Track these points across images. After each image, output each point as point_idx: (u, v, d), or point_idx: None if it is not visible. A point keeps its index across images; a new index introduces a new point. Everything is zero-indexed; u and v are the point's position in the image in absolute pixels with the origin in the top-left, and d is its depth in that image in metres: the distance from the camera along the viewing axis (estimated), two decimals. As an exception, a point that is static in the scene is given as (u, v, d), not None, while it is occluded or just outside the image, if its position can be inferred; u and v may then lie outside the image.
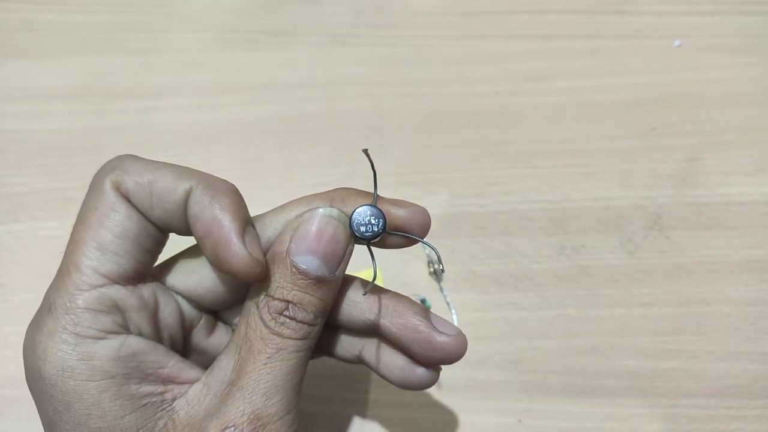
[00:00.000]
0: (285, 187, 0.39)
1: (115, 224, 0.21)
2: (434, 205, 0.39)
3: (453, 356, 0.23)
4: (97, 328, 0.20)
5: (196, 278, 0.23)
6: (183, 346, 0.24)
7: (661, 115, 0.42)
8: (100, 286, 0.21)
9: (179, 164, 0.23)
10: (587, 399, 0.34)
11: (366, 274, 0.36)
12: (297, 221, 0.22)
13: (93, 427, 0.20)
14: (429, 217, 0.23)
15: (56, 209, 0.39)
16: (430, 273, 0.37)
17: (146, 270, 0.23)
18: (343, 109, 0.42)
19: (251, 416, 0.20)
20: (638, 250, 0.37)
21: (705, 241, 0.38)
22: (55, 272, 0.23)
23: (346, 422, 0.33)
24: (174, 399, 0.21)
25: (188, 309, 0.24)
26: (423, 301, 0.36)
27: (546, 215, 0.39)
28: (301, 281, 0.21)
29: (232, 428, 0.20)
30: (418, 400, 0.33)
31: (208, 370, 0.22)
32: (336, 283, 0.23)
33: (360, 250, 0.24)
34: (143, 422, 0.20)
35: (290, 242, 0.22)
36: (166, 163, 0.23)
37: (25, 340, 0.21)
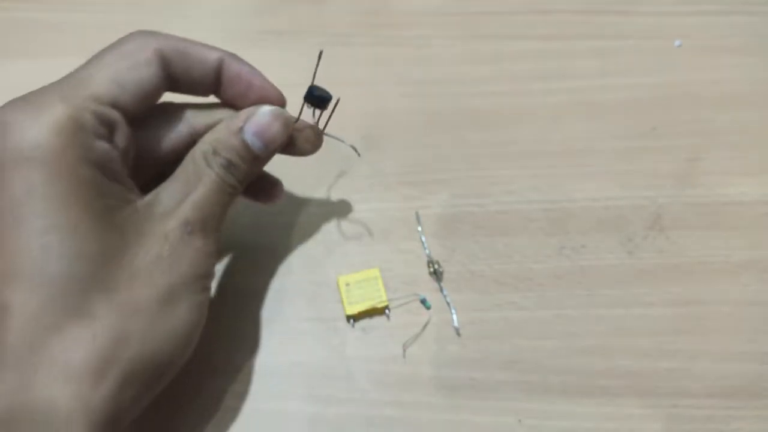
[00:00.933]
0: (285, 186, 0.39)
1: (142, 76, 0.27)
2: (434, 205, 0.39)
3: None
4: (96, 132, 0.25)
5: (156, 138, 0.30)
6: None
7: (661, 115, 0.42)
8: (109, 105, 0.26)
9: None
10: (587, 399, 0.34)
11: (366, 274, 0.36)
12: (255, 109, 0.29)
13: (80, 197, 0.24)
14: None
15: (57, 209, 0.39)
16: (430, 273, 0.37)
17: (140, 116, 0.28)
18: (343, 109, 0.42)
19: (201, 219, 0.27)
20: (638, 250, 0.37)
21: (705, 241, 0.38)
22: None
23: (347, 422, 0.33)
24: (133, 200, 0.27)
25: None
26: (423, 301, 0.36)
27: (546, 215, 0.39)
28: (244, 152, 0.29)
29: (189, 225, 0.27)
30: (418, 400, 0.34)
31: (155, 190, 0.28)
32: (265, 162, 0.31)
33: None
34: (113, 208, 0.25)
35: (246, 122, 0.29)
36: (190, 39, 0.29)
37: (7, 109, 0.26)
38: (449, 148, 0.41)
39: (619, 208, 0.39)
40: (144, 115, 0.28)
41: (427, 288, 0.36)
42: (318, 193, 0.39)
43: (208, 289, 0.28)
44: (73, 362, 0.23)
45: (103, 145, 0.25)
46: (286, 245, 0.38)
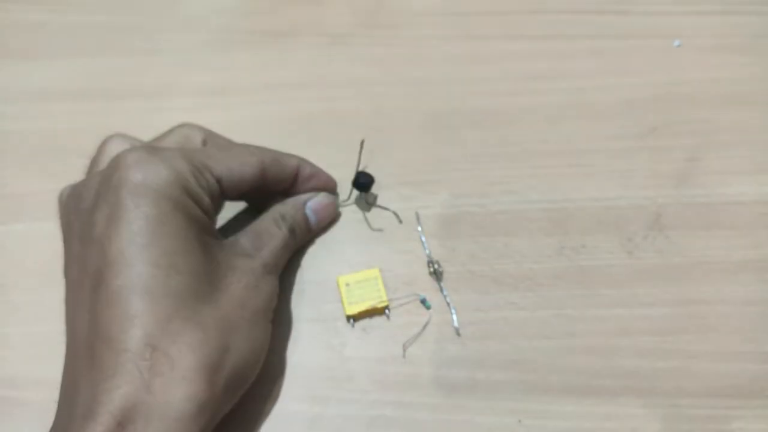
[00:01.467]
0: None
1: (249, 173, 0.33)
2: (434, 205, 0.39)
3: None
4: (205, 190, 0.31)
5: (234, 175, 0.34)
6: None
7: (661, 115, 0.42)
8: (217, 181, 0.32)
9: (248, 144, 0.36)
10: (587, 399, 0.34)
11: (366, 274, 0.36)
12: (317, 192, 0.37)
13: (192, 231, 0.29)
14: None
15: (57, 210, 0.39)
16: (430, 273, 0.37)
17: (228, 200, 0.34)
18: (343, 109, 0.43)
19: (274, 264, 0.33)
20: (638, 250, 0.37)
21: (704, 241, 0.38)
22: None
23: (347, 422, 0.33)
24: (221, 240, 0.32)
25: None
26: (423, 301, 0.36)
27: (546, 215, 0.39)
28: (303, 223, 0.36)
29: (268, 266, 0.32)
30: (418, 400, 0.34)
31: (237, 236, 0.33)
32: (314, 233, 0.38)
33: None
34: (212, 243, 0.30)
35: (310, 200, 0.37)
36: (233, 143, 0.37)
37: (132, 158, 0.29)
38: (449, 148, 0.41)
39: (619, 208, 0.39)
40: (230, 198, 0.34)
41: (427, 288, 0.36)
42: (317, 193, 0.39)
43: (273, 317, 0.33)
44: (188, 366, 0.26)
45: (206, 199, 0.30)
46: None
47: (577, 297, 0.36)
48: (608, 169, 0.40)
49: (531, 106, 0.42)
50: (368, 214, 0.39)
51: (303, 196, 0.36)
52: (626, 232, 0.38)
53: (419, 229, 0.38)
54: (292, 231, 0.34)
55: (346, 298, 0.35)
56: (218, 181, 0.31)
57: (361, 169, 0.38)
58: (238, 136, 0.41)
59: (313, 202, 0.36)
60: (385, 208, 0.39)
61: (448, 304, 0.36)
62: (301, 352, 0.35)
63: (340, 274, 0.36)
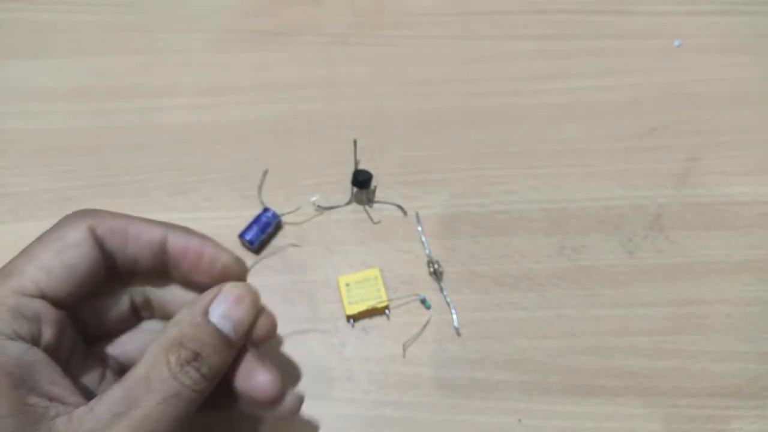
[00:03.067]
0: (285, 187, 0.39)
1: (73, 257, 0.24)
2: (434, 205, 0.39)
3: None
4: (13, 329, 0.22)
5: (98, 309, 0.27)
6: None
7: (661, 115, 0.42)
8: (32, 296, 0.23)
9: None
10: (587, 399, 0.34)
11: (366, 274, 0.36)
12: (218, 287, 0.25)
13: None
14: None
15: (57, 209, 0.39)
16: (430, 273, 0.37)
17: (74, 301, 0.25)
18: (343, 109, 0.43)
19: None
20: (638, 250, 0.37)
21: (705, 241, 0.38)
22: None
23: (347, 422, 0.33)
24: (57, 415, 0.22)
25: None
26: (423, 301, 0.36)
27: (546, 215, 0.39)
28: (214, 339, 0.24)
29: None
30: (418, 400, 0.34)
31: (95, 399, 0.22)
32: (236, 349, 0.25)
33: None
34: (22, 427, 0.21)
35: (211, 303, 0.25)
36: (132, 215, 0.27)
37: None
38: (449, 148, 0.41)
39: (619, 208, 0.39)
40: (88, 297, 0.25)
41: (427, 288, 0.36)
42: (317, 193, 0.39)
43: None
44: None
45: (17, 347, 0.22)
46: (286, 245, 0.38)
47: (577, 297, 0.36)
48: (608, 169, 0.40)
49: (531, 106, 0.42)
50: (368, 213, 0.39)
51: (199, 302, 0.25)
52: (626, 232, 0.38)
53: (419, 229, 0.38)
54: (189, 365, 0.23)
55: (346, 298, 0.35)
56: (40, 296, 0.23)
57: (356, 168, 0.38)
58: (238, 136, 0.41)
59: (219, 305, 0.25)
60: (386, 203, 0.39)
61: (448, 304, 0.36)
62: (301, 352, 0.35)
63: (340, 274, 0.36)
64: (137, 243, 0.26)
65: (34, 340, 0.23)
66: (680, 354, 0.35)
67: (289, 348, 0.35)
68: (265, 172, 0.40)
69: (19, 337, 0.22)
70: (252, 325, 0.26)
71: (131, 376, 0.23)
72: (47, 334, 0.23)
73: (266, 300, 0.36)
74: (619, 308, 0.36)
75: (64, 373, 0.23)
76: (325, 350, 0.35)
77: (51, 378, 0.22)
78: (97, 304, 0.27)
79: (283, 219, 0.38)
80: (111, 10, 0.47)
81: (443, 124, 0.42)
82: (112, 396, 0.22)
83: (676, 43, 0.45)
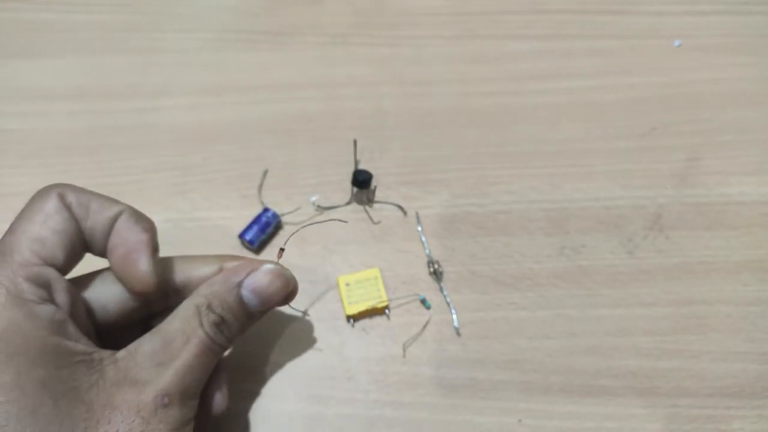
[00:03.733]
0: (285, 187, 0.39)
1: (56, 223, 0.25)
2: (434, 205, 0.39)
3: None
4: (37, 295, 0.24)
5: (103, 294, 0.28)
6: None
7: (661, 115, 0.42)
8: (39, 265, 0.24)
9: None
10: (587, 399, 0.34)
11: (366, 274, 0.36)
12: (257, 263, 0.28)
13: (36, 376, 0.22)
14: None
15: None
16: (430, 273, 0.37)
17: (71, 267, 0.26)
18: (343, 109, 0.43)
19: (181, 391, 0.25)
20: (638, 250, 0.37)
21: (705, 241, 0.38)
22: None
23: (347, 422, 0.33)
24: (102, 360, 0.24)
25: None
26: (423, 301, 0.36)
27: (546, 215, 0.39)
28: (240, 310, 0.27)
29: (167, 396, 0.24)
30: (418, 400, 0.33)
31: (132, 346, 0.25)
32: (257, 321, 0.29)
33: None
34: (79, 375, 0.23)
35: (245, 277, 0.27)
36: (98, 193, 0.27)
37: None
38: (449, 148, 0.41)
39: (619, 208, 0.39)
40: (80, 258, 0.27)
41: (427, 288, 0.36)
42: (317, 193, 0.39)
43: None
44: None
45: (47, 309, 0.24)
46: (286, 246, 0.37)
47: (578, 297, 0.36)
48: (608, 169, 0.40)
49: (531, 106, 0.42)
50: (368, 213, 0.39)
51: (235, 274, 0.27)
52: (626, 232, 0.38)
53: (419, 229, 0.38)
54: (217, 327, 0.26)
55: (346, 298, 0.35)
56: (44, 263, 0.24)
57: (356, 168, 0.38)
58: (238, 136, 0.41)
59: (253, 279, 0.27)
60: (386, 203, 0.39)
61: (448, 304, 0.36)
62: (301, 352, 0.35)
63: (340, 274, 0.36)
64: (95, 217, 0.26)
65: (54, 303, 0.24)
66: (680, 354, 0.35)
67: (289, 348, 0.35)
68: (265, 172, 0.40)
69: (45, 301, 0.24)
70: (276, 305, 0.28)
71: (167, 329, 0.25)
72: (62, 298, 0.25)
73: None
74: (619, 308, 0.36)
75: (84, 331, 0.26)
76: (325, 350, 0.35)
77: (78, 335, 0.25)
78: (100, 286, 0.28)
79: (283, 219, 0.38)
80: (110, 10, 0.47)
81: (443, 124, 0.42)
82: (151, 346, 0.25)
83: (676, 43, 0.45)
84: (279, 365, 0.34)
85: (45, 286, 0.24)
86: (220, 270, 0.28)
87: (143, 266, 0.26)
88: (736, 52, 0.44)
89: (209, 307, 0.26)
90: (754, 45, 0.45)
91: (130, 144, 0.41)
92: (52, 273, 0.24)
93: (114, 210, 0.26)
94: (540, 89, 0.43)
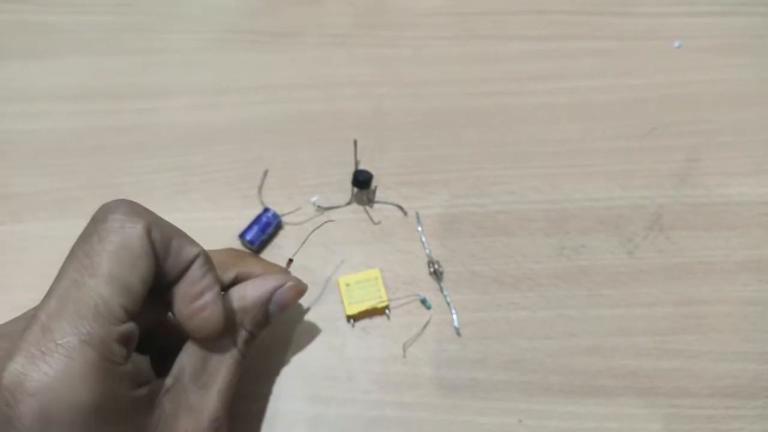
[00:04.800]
0: (285, 187, 0.39)
1: (144, 270, 0.23)
2: (434, 205, 0.39)
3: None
4: (123, 356, 0.23)
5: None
6: None
7: (661, 115, 0.42)
8: (127, 322, 0.23)
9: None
10: (587, 399, 0.34)
11: (366, 274, 0.36)
12: (283, 279, 0.30)
13: (111, 420, 0.22)
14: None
15: (58, 209, 0.39)
16: (430, 273, 0.37)
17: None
18: (343, 109, 0.43)
19: (226, 408, 0.27)
20: (638, 250, 0.38)
21: (705, 241, 0.38)
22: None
23: (347, 422, 0.33)
24: (158, 393, 0.25)
25: None
26: (423, 301, 0.36)
27: (546, 215, 0.39)
28: (264, 322, 0.29)
29: (218, 420, 0.26)
30: (419, 400, 0.34)
31: (176, 367, 0.26)
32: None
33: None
34: (148, 415, 0.24)
35: (274, 294, 0.29)
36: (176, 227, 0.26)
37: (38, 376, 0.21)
38: (449, 148, 0.41)
39: (619, 208, 0.39)
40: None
41: (427, 288, 0.36)
42: (317, 193, 0.39)
43: None
44: None
45: (129, 368, 0.23)
46: (286, 246, 0.38)
47: (578, 297, 0.36)
48: (608, 169, 0.40)
49: (531, 106, 0.42)
50: (368, 213, 0.39)
51: (269, 283, 0.29)
52: (626, 232, 0.38)
53: (419, 229, 0.38)
54: (248, 343, 0.28)
55: (346, 298, 0.35)
56: (129, 317, 0.23)
57: (357, 168, 0.38)
58: (238, 136, 0.41)
59: (281, 295, 0.29)
60: (386, 203, 0.39)
61: (448, 304, 0.36)
62: (301, 352, 0.35)
63: (340, 275, 0.36)
64: (175, 259, 0.25)
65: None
66: (680, 354, 0.35)
67: (289, 348, 0.35)
68: (266, 173, 0.40)
69: (127, 360, 0.23)
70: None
71: (203, 346, 0.26)
72: (133, 345, 0.24)
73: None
74: (619, 308, 0.36)
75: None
76: (325, 350, 0.35)
77: (138, 371, 0.25)
78: None
79: (284, 219, 0.38)
80: (111, 10, 0.47)
81: (443, 124, 0.42)
82: (193, 367, 0.26)
83: (676, 43, 0.45)
84: (279, 366, 0.34)
85: (128, 341, 0.23)
86: (236, 276, 0.29)
87: (216, 316, 0.25)
88: (735, 53, 0.44)
89: (242, 323, 0.28)
90: (753, 46, 0.45)
91: (130, 144, 0.41)
92: (134, 328, 0.23)
93: (193, 252, 0.25)
94: (540, 89, 0.43)
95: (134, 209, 0.24)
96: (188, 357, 0.26)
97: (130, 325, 0.23)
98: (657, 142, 0.41)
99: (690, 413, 0.33)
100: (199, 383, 0.26)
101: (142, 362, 0.29)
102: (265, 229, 0.37)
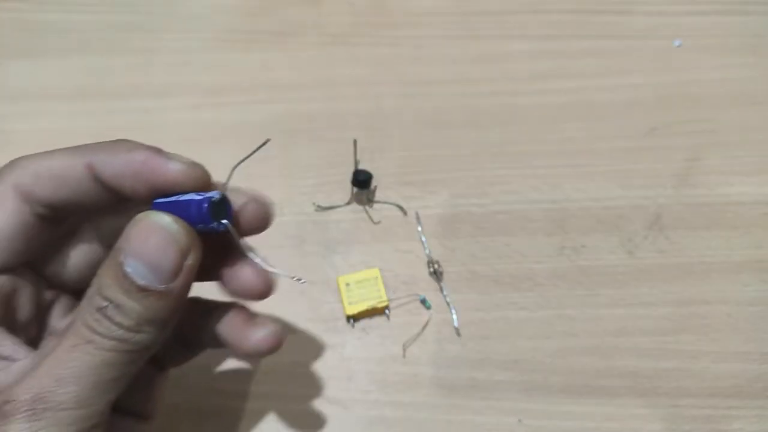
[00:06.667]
0: (285, 187, 0.39)
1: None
2: (434, 205, 0.39)
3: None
4: None
5: (67, 266, 0.25)
6: (38, 326, 0.25)
7: (661, 115, 0.42)
8: None
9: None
10: (587, 399, 0.34)
11: (366, 274, 0.36)
12: (133, 222, 0.21)
13: None
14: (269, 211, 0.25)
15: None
16: (430, 273, 0.37)
17: (12, 265, 0.23)
18: (343, 109, 0.43)
19: (35, 396, 0.20)
20: (638, 250, 0.37)
21: (705, 241, 0.38)
22: None
23: (347, 422, 0.33)
24: (7, 357, 0.22)
25: (48, 293, 0.25)
26: (423, 301, 0.36)
27: (546, 215, 0.39)
28: (126, 284, 0.21)
29: (13, 402, 0.20)
30: (418, 400, 0.33)
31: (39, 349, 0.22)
32: (174, 297, 0.21)
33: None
34: None
35: (123, 241, 0.21)
36: (58, 149, 0.23)
37: None
38: (449, 148, 0.41)
39: (619, 208, 0.39)
40: (27, 256, 0.24)
41: (427, 288, 0.36)
42: (318, 193, 0.39)
43: None
44: None
45: None
46: (286, 245, 0.38)
47: (578, 297, 0.36)
48: (608, 169, 0.40)
49: (531, 106, 0.42)
50: (368, 213, 0.39)
51: (117, 244, 0.21)
52: (626, 232, 0.38)
53: (419, 229, 0.38)
54: (104, 311, 0.21)
55: (346, 298, 0.35)
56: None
57: (356, 168, 0.38)
58: (238, 136, 0.41)
59: (130, 244, 0.21)
60: (386, 203, 0.39)
61: (448, 304, 0.36)
62: (301, 352, 0.35)
63: (340, 274, 0.36)
64: (66, 185, 0.22)
65: None
66: (681, 354, 0.35)
67: (289, 348, 0.35)
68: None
69: None
70: (187, 266, 0.21)
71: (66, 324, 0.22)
72: None
73: (266, 300, 0.36)
74: (619, 308, 0.36)
75: (9, 334, 0.23)
76: (325, 350, 0.35)
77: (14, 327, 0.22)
78: (63, 258, 0.25)
79: (284, 219, 0.38)
80: (111, 10, 0.47)
81: (443, 124, 0.42)
82: (46, 346, 0.22)
83: (676, 43, 0.45)
84: (279, 366, 0.34)
85: None
86: (91, 170, 0.23)
87: (171, 165, 0.23)
88: (735, 52, 0.44)
89: (99, 290, 0.21)
90: (753, 45, 0.45)
91: (130, 144, 0.41)
92: None
93: (80, 163, 0.23)
94: (540, 89, 0.43)
95: (9, 165, 0.23)
96: (54, 336, 0.23)
97: None
98: (657, 142, 0.41)
99: (690, 413, 0.33)
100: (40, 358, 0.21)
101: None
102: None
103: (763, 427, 0.33)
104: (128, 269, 0.20)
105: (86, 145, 0.23)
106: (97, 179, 0.22)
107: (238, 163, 0.24)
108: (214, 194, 0.22)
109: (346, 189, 0.39)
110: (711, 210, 0.39)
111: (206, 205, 0.22)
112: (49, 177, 0.22)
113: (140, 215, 0.21)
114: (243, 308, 0.26)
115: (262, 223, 0.25)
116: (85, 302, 0.21)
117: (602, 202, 0.39)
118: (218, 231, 0.22)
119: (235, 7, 0.47)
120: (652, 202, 0.39)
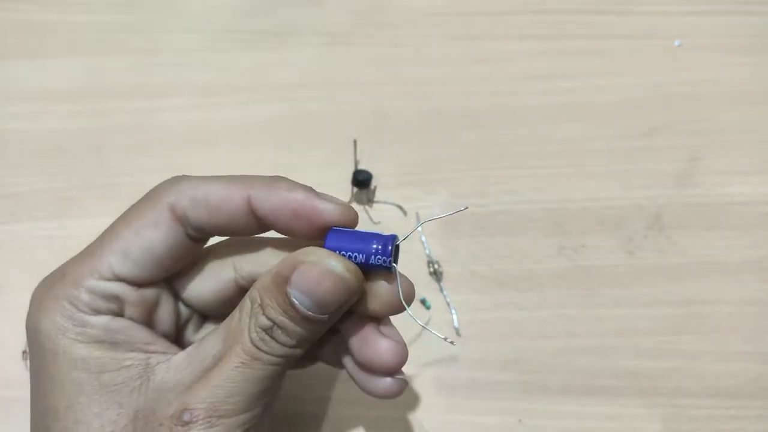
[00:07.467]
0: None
1: (149, 240, 0.23)
2: (434, 205, 0.39)
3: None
4: (92, 308, 0.23)
5: (199, 288, 0.26)
6: (175, 340, 0.26)
7: (661, 115, 0.42)
8: (109, 280, 0.23)
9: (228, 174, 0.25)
10: (587, 399, 0.33)
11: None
12: (306, 254, 0.23)
13: (74, 377, 0.22)
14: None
15: (56, 209, 0.39)
16: (430, 273, 0.37)
17: (158, 279, 0.25)
18: (343, 109, 0.43)
19: (210, 406, 0.22)
20: (638, 250, 0.37)
21: (705, 241, 0.38)
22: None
23: (348, 423, 0.33)
24: (157, 363, 0.23)
25: (185, 310, 0.27)
26: (423, 301, 0.36)
27: (546, 215, 0.39)
28: (292, 312, 0.22)
29: (190, 411, 0.22)
30: (419, 401, 0.33)
31: (195, 344, 0.24)
32: (327, 323, 0.23)
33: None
34: (121, 379, 0.23)
35: (293, 272, 0.22)
36: (216, 176, 0.25)
37: (35, 291, 0.24)
38: (449, 148, 0.41)
39: (619, 208, 0.39)
40: (172, 272, 0.25)
41: (427, 288, 0.36)
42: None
43: None
44: None
45: (101, 320, 0.23)
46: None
47: (578, 297, 0.36)
48: (608, 169, 0.40)
49: (531, 106, 0.42)
50: (369, 212, 0.39)
51: (277, 271, 0.23)
52: (626, 232, 0.38)
53: (419, 229, 0.38)
54: (266, 332, 0.22)
55: (346, 298, 0.35)
56: (117, 278, 0.23)
57: (356, 168, 0.38)
58: (238, 136, 0.41)
59: (298, 277, 0.22)
60: (386, 203, 0.39)
61: (448, 304, 0.36)
62: (301, 352, 0.35)
63: (340, 274, 0.36)
64: (220, 214, 0.24)
65: (119, 314, 0.24)
66: (681, 354, 0.35)
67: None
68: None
69: (99, 313, 0.23)
70: (347, 303, 0.23)
71: (225, 326, 0.24)
72: (130, 311, 0.24)
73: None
74: (619, 308, 0.36)
75: (158, 335, 0.25)
76: (325, 350, 0.35)
77: (146, 339, 0.24)
78: (197, 279, 0.26)
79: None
80: (110, 10, 0.47)
81: (443, 124, 0.42)
82: (206, 346, 0.23)
83: (676, 43, 0.45)
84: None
85: (109, 299, 0.23)
86: (247, 202, 0.24)
87: (325, 205, 0.23)
88: (736, 52, 0.44)
89: (260, 306, 0.23)
90: (754, 45, 0.45)
91: (130, 144, 0.41)
92: (120, 288, 0.24)
93: (238, 194, 0.24)
94: (540, 89, 0.43)
95: (169, 182, 0.24)
96: (213, 336, 0.24)
97: (112, 285, 0.23)
98: (657, 142, 0.41)
99: (690, 413, 0.33)
100: (204, 365, 0.23)
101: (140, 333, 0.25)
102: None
103: (763, 427, 0.33)
104: (295, 300, 0.22)
105: (244, 177, 0.24)
106: (252, 212, 0.24)
107: (427, 221, 0.29)
108: (394, 236, 0.24)
109: (346, 189, 0.39)
110: (711, 210, 0.39)
111: (392, 246, 0.24)
112: (206, 204, 0.23)
113: (314, 256, 0.22)
114: (372, 322, 0.26)
115: (390, 310, 0.25)
116: (244, 317, 0.23)
117: (602, 202, 0.39)
118: (379, 271, 0.24)
119: (235, 7, 0.47)
120: (652, 202, 0.39)
